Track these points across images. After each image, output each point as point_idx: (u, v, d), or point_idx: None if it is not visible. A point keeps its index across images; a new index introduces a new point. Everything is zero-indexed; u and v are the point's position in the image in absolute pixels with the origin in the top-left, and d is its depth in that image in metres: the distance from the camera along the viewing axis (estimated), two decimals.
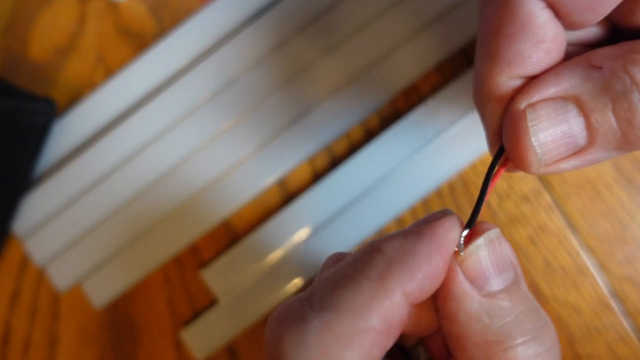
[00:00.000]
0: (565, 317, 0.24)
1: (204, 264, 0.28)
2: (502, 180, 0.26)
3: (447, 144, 0.26)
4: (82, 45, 0.30)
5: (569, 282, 0.25)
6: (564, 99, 0.13)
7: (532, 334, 0.13)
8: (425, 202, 0.26)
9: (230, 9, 0.28)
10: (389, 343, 0.13)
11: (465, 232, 0.14)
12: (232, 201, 0.27)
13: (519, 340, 0.13)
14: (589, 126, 0.13)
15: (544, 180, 0.25)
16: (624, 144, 0.13)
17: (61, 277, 0.28)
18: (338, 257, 0.16)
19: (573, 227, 0.25)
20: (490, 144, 0.16)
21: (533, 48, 0.13)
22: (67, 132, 0.29)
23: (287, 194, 0.27)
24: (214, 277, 0.27)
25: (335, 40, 0.27)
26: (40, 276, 0.29)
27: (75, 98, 0.29)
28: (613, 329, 0.24)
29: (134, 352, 0.28)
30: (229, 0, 0.28)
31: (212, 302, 0.27)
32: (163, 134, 0.28)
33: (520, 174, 0.25)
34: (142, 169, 0.28)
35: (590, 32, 0.16)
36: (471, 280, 0.14)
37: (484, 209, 0.26)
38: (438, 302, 0.14)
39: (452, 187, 0.26)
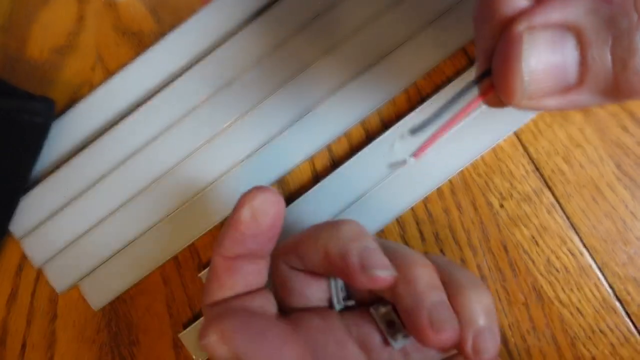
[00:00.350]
0: (568, 317, 0.24)
1: (202, 265, 0.27)
2: (504, 180, 0.25)
3: (447, 144, 0.25)
4: (81, 44, 0.30)
5: (572, 283, 0.24)
6: (565, 28, 0.13)
7: None
8: (426, 201, 0.26)
9: (230, 8, 0.28)
10: (225, 282, 0.19)
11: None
12: (231, 201, 0.27)
13: None
14: (583, 62, 0.13)
15: (546, 180, 0.25)
16: (613, 88, 0.13)
17: (59, 277, 0.28)
18: None
19: (576, 227, 0.25)
20: (479, 67, 0.15)
21: None
22: (65, 132, 0.29)
23: (287, 194, 0.27)
24: None
25: (335, 40, 0.27)
26: (38, 277, 0.28)
27: (73, 98, 0.29)
28: (617, 329, 0.24)
29: (132, 353, 0.28)
30: (229, 0, 0.28)
31: None
32: (162, 133, 0.28)
33: (521, 174, 0.25)
34: (141, 169, 0.28)
35: None
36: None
37: (473, 216, 0.25)
38: None
39: (452, 187, 0.26)
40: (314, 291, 0.21)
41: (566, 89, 0.13)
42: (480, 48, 0.15)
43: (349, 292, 0.21)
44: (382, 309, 0.19)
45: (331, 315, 0.20)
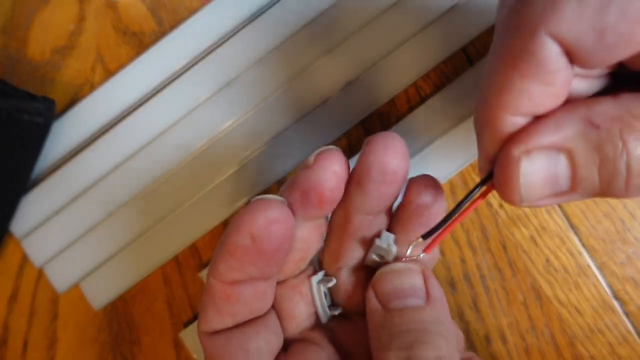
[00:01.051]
0: (567, 317, 0.24)
1: (203, 264, 0.28)
2: None
3: (447, 144, 0.26)
4: (81, 44, 0.29)
5: (571, 282, 0.24)
6: (557, 149, 0.14)
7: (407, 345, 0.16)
8: None
9: (230, 8, 0.28)
10: (223, 310, 0.17)
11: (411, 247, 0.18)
12: (231, 201, 0.27)
13: (393, 346, 0.16)
14: (573, 177, 0.14)
15: None
16: (600, 195, 0.15)
17: (60, 277, 0.28)
18: None
19: (575, 227, 0.25)
20: (481, 167, 0.17)
21: (542, 90, 0.14)
22: (65, 132, 0.29)
23: None
24: None
25: (335, 40, 0.27)
26: (39, 277, 0.28)
27: (74, 98, 0.29)
28: (615, 329, 0.24)
29: (133, 353, 0.28)
30: (229, 0, 0.28)
31: None
32: (162, 133, 0.28)
33: None
34: (141, 169, 0.28)
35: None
36: (378, 296, 0.17)
37: (472, 216, 0.25)
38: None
39: (452, 186, 0.26)
40: (301, 308, 0.19)
41: (559, 194, 0.15)
42: (482, 150, 0.16)
43: (334, 299, 0.21)
44: (325, 282, 0.19)
45: (322, 344, 0.19)
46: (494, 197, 0.25)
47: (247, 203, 0.17)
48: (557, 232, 0.25)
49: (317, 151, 0.17)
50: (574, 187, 0.15)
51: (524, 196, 0.15)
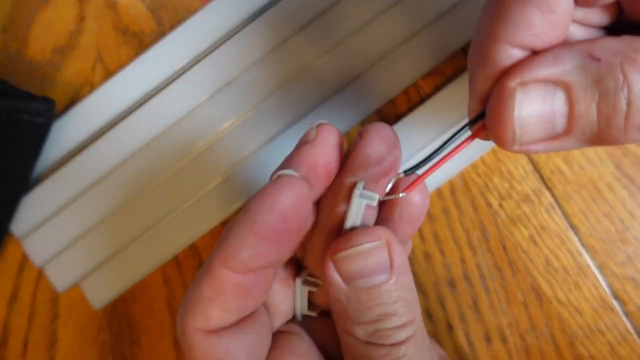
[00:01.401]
0: (567, 317, 0.24)
1: (203, 264, 0.28)
2: (503, 180, 0.25)
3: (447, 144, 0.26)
4: (81, 44, 0.30)
5: (571, 282, 0.24)
6: (555, 83, 0.13)
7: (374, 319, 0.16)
8: None
9: (230, 8, 0.28)
10: (230, 303, 0.15)
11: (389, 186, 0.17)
12: (231, 201, 0.27)
13: (359, 321, 0.16)
14: (571, 115, 0.14)
15: (545, 180, 0.25)
16: (597, 139, 0.14)
17: (60, 277, 0.28)
18: None
19: (574, 227, 0.25)
20: (472, 107, 0.16)
21: (542, 18, 0.13)
22: (65, 132, 0.29)
23: None
24: None
25: (335, 40, 0.27)
26: (39, 277, 0.29)
27: (74, 98, 0.29)
28: (615, 329, 0.24)
29: (133, 353, 0.28)
30: (229, 0, 0.28)
31: None
32: (162, 134, 0.28)
33: (520, 174, 0.25)
34: (141, 169, 0.28)
35: (597, 14, 0.15)
36: (341, 275, 0.16)
37: (472, 216, 0.25)
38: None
39: (452, 186, 0.26)
40: (288, 302, 0.19)
41: (554, 137, 0.14)
42: (474, 88, 0.15)
43: (311, 298, 0.20)
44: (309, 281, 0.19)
45: (301, 334, 0.19)
46: (493, 198, 0.25)
47: (269, 181, 0.15)
48: (556, 232, 0.25)
49: (315, 125, 0.16)
50: (571, 127, 0.14)
51: (518, 136, 0.14)
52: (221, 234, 0.16)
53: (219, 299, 0.15)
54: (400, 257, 0.16)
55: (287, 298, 0.19)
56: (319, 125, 0.16)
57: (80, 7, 0.30)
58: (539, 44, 0.14)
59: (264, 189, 0.15)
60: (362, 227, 0.16)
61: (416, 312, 0.16)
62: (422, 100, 0.27)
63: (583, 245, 0.25)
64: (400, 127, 0.26)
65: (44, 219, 0.28)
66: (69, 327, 0.28)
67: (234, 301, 0.15)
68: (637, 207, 0.24)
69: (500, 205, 0.25)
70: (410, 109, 0.27)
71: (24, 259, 0.29)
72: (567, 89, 0.13)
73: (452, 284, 0.25)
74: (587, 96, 0.13)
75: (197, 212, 0.27)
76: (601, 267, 0.24)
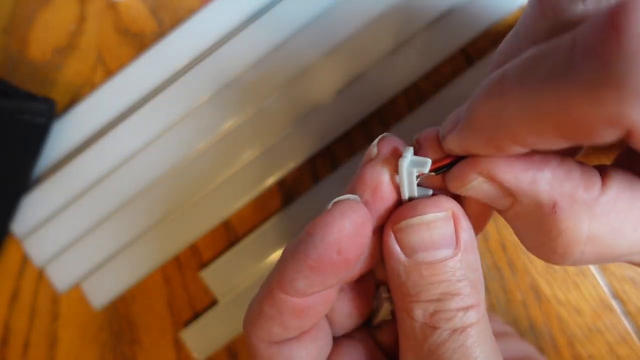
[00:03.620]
0: (566, 317, 0.24)
1: (203, 264, 0.28)
2: None
3: None
4: (82, 45, 0.30)
5: (570, 282, 0.25)
6: (510, 193, 0.14)
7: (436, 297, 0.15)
8: None
9: (230, 9, 0.28)
10: (290, 322, 0.15)
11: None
12: (231, 201, 0.27)
13: (418, 299, 0.15)
14: (505, 213, 0.15)
15: None
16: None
17: (60, 277, 0.28)
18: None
19: None
20: (446, 145, 0.16)
21: (570, 145, 0.13)
22: (66, 132, 0.29)
23: (287, 194, 0.27)
24: (214, 277, 0.27)
25: (335, 40, 0.27)
26: (40, 277, 0.29)
27: (74, 98, 0.29)
28: (614, 329, 0.24)
29: (134, 352, 0.28)
30: (229, 0, 0.28)
31: (211, 303, 0.27)
32: (162, 134, 0.28)
33: None
34: (142, 169, 0.28)
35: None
36: (402, 247, 0.15)
37: None
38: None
39: None
40: (351, 310, 0.18)
41: (488, 205, 0.16)
42: (470, 147, 0.15)
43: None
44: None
45: (365, 342, 0.18)
46: None
47: (328, 207, 0.15)
48: None
49: (377, 139, 0.16)
50: (501, 214, 0.15)
51: (460, 193, 0.15)
52: (281, 255, 0.16)
53: (279, 319, 0.15)
54: (467, 233, 0.15)
55: (351, 306, 0.18)
56: (379, 141, 0.16)
57: (80, 7, 0.30)
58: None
59: (318, 218, 0.14)
60: (427, 197, 0.16)
61: (481, 297, 0.15)
62: (422, 100, 0.27)
63: None
64: (400, 127, 0.26)
65: (44, 219, 0.29)
66: (69, 326, 0.28)
67: (293, 321, 0.15)
68: None
69: None
70: (411, 109, 0.27)
71: (25, 259, 0.29)
72: (514, 202, 0.15)
73: None
74: (524, 222, 0.15)
75: (197, 212, 0.27)
76: (600, 267, 0.24)
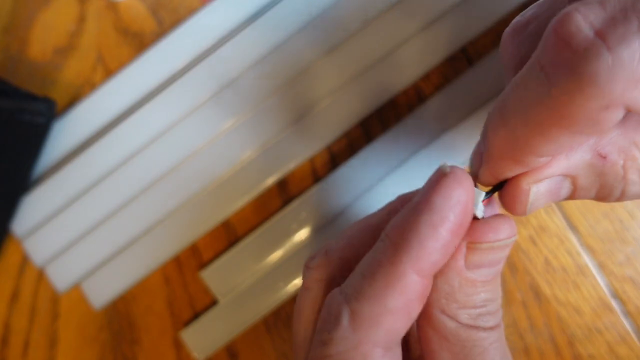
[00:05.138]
0: (566, 317, 0.24)
1: (203, 264, 0.28)
2: None
3: (447, 144, 0.26)
4: (82, 45, 0.30)
5: (570, 282, 0.25)
6: (564, 175, 0.15)
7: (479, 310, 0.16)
8: None
9: (230, 9, 0.28)
10: (413, 313, 0.15)
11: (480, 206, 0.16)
12: (232, 201, 0.27)
13: (466, 305, 0.16)
14: (573, 193, 0.16)
15: None
16: (595, 200, 0.16)
17: (60, 277, 0.28)
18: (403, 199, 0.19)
19: (574, 227, 0.25)
20: (486, 180, 0.17)
21: (585, 139, 0.14)
22: (66, 132, 0.29)
23: (287, 194, 0.27)
24: (214, 277, 0.27)
25: (335, 40, 0.27)
26: (40, 277, 0.29)
27: (74, 98, 0.29)
28: (614, 329, 0.24)
29: (134, 352, 0.28)
30: (229, 0, 0.28)
31: (212, 303, 0.27)
32: (162, 134, 0.28)
33: None
34: (142, 170, 0.28)
35: None
36: (468, 263, 0.16)
37: None
38: None
39: None
40: None
41: (557, 201, 0.16)
42: (492, 170, 0.16)
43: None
44: None
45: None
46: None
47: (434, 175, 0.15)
48: (556, 232, 0.25)
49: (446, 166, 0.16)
50: (571, 198, 0.16)
51: (528, 212, 0.16)
52: (388, 233, 0.15)
53: (405, 311, 0.15)
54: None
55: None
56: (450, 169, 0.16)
57: (80, 7, 0.30)
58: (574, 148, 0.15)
59: (441, 182, 0.15)
60: (503, 219, 0.16)
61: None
62: (422, 100, 0.27)
63: (582, 245, 0.25)
64: (400, 128, 0.26)
65: (45, 219, 0.29)
66: (69, 326, 0.28)
67: (417, 310, 0.15)
68: (636, 208, 0.24)
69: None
70: (410, 109, 0.27)
71: (25, 259, 0.29)
72: (573, 179, 0.15)
73: None
74: (590, 184, 0.15)
75: (198, 212, 0.27)
76: (600, 267, 0.24)
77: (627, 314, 0.24)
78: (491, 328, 0.16)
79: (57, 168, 0.29)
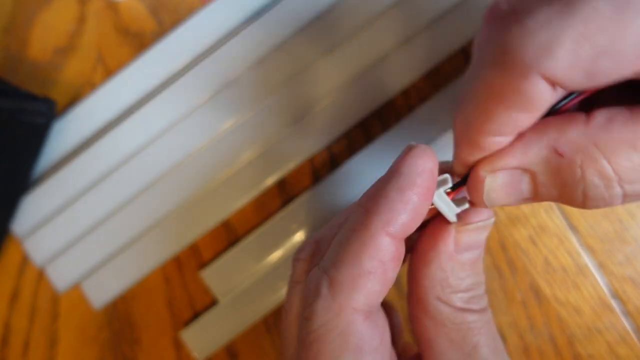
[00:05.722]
0: (565, 317, 0.24)
1: (203, 264, 0.28)
2: None
3: (447, 144, 0.26)
4: (82, 45, 0.30)
5: (570, 282, 0.25)
6: (522, 170, 0.16)
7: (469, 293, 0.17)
8: None
9: (230, 9, 0.28)
10: (389, 275, 0.16)
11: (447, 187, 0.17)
12: (232, 201, 0.27)
13: (458, 289, 0.17)
14: (535, 192, 0.16)
15: None
16: (562, 203, 0.16)
17: (60, 277, 0.28)
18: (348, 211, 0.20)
19: (574, 227, 0.25)
20: (457, 170, 0.18)
21: (526, 117, 0.15)
22: (66, 132, 0.29)
23: (287, 194, 0.27)
24: (214, 277, 0.27)
25: (335, 40, 0.27)
26: (40, 276, 0.29)
27: (74, 98, 0.29)
28: (614, 329, 0.24)
29: (134, 352, 0.28)
30: (229, 0, 0.28)
31: (211, 303, 0.27)
32: (162, 134, 0.28)
33: None
34: (142, 169, 0.28)
35: None
36: (457, 246, 0.17)
37: None
38: (420, 243, 0.18)
39: None
40: None
41: (522, 200, 0.16)
42: (459, 157, 0.17)
43: None
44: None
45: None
46: None
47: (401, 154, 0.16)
48: (555, 232, 0.25)
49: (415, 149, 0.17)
50: (535, 198, 0.16)
51: (488, 203, 0.16)
52: (361, 202, 0.16)
53: (381, 272, 0.15)
54: None
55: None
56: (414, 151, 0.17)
57: (80, 7, 0.30)
58: (522, 129, 0.15)
59: (408, 153, 0.16)
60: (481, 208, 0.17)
61: None
62: (422, 100, 0.27)
63: (582, 245, 0.25)
64: (400, 128, 0.26)
65: (45, 219, 0.29)
66: (69, 326, 0.28)
67: (392, 273, 0.16)
68: (636, 208, 0.24)
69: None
70: (410, 109, 0.27)
71: (25, 259, 0.29)
72: (532, 175, 0.16)
73: None
74: (549, 182, 0.15)
75: (197, 212, 0.27)
76: (600, 267, 0.24)
77: (627, 314, 0.24)
78: (482, 310, 0.17)
79: (57, 168, 0.29)
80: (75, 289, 0.28)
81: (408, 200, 0.15)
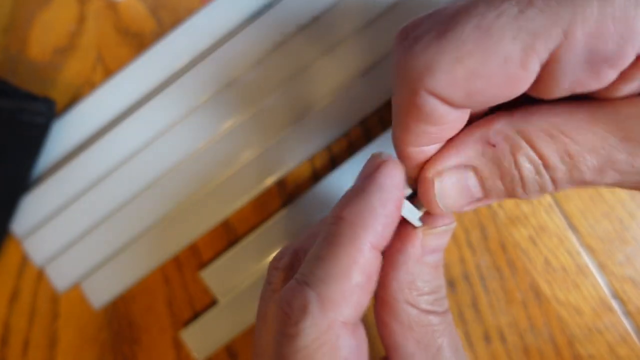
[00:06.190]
0: (566, 317, 0.24)
1: (203, 264, 0.28)
2: None
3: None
4: (82, 45, 0.30)
5: (570, 282, 0.25)
6: (465, 167, 0.17)
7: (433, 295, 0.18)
8: None
9: (230, 9, 0.28)
10: (373, 286, 0.16)
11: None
12: (231, 201, 0.27)
13: (424, 291, 0.18)
14: (483, 187, 0.17)
15: None
16: (510, 197, 0.17)
17: (60, 277, 0.28)
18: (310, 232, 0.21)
19: (574, 227, 0.25)
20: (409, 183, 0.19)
21: (436, 129, 0.16)
22: (66, 132, 0.29)
23: (287, 194, 0.27)
24: (214, 277, 0.27)
25: (335, 41, 0.27)
26: (40, 276, 0.29)
27: (74, 98, 0.29)
28: (614, 329, 0.24)
29: (133, 352, 0.28)
30: (229, 0, 0.28)
31: (211, 303, 0.27)
32: (162, 134, 0.28)
33: None
34: (141, 169, 0.28)
35: None
36: (424, 249, 0.18)
37: (471, 216, 0.25)
38: (389, 250, 0.18)
39: None
40: None
41: (476, 201, 0.17)
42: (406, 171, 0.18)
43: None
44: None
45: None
46: None
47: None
48: (555, 232, 0.25)
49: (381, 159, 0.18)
50: (486, 194, 0.17)
51: (443, 207, 0.17)
52: (340, 215, 0.17)
53: (368, 284, 0.16)
54: None
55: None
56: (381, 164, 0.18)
57: (80, 7, 0.30)
58: (445, 138, 0.17)
59: (384, 166, 0.17)
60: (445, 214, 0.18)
61: None
62: None
63: (582, 245, 0.25)
64: None
65: (45, 218, 0.29)
66: (69, 326, 0.28)
67: (375, 284, 0.16)
68: (636, 208, 0.24)
69: (500, 205, 0.25)
70: None
71: (24, 259, 0.29)
72: (475, 171, 0.17)
73: (451, 284, 0.25)
74: (491, 174, 0.16)
75: (197, 212, 0.27)
76: (600, 267, 0.24)
77: (627, 314, 0.24)
78: (444, 312, 0.18)
79: (57, 168, 0.29)
80: (75, 289, 0.28)
81: (390, 213, 0.16)
